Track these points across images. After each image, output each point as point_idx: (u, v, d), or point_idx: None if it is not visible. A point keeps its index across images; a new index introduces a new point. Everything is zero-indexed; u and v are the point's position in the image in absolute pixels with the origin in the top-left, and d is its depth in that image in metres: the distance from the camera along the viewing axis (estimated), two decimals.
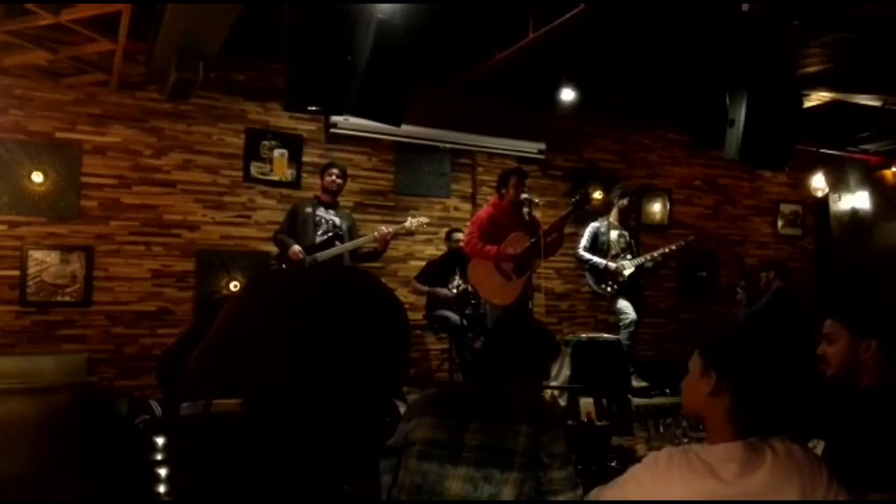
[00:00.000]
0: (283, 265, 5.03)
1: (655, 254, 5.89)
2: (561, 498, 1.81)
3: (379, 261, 5.52)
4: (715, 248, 7.81)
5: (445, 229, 6.22)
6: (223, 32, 4.45)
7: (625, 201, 5.97)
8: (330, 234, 5.07)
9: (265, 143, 5.86)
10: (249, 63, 5.76)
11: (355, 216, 5.56)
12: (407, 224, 5.39)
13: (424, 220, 5.59)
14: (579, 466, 3.07)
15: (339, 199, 5.32)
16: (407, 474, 1.87)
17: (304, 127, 6.03)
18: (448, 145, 6.51)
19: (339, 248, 5.03)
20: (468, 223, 5.73)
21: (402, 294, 5.79)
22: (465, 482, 1.80)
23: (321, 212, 5.11)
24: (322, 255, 4.96)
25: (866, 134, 7.83)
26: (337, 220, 5.14)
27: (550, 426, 1.88)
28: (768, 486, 1.50)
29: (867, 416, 1.83)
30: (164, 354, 1.58)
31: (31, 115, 5.10)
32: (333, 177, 5.17)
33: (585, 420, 4.11)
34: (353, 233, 5.22)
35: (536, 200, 5.09)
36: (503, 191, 5.05)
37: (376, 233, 5.18)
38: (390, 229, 5.21)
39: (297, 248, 4.89)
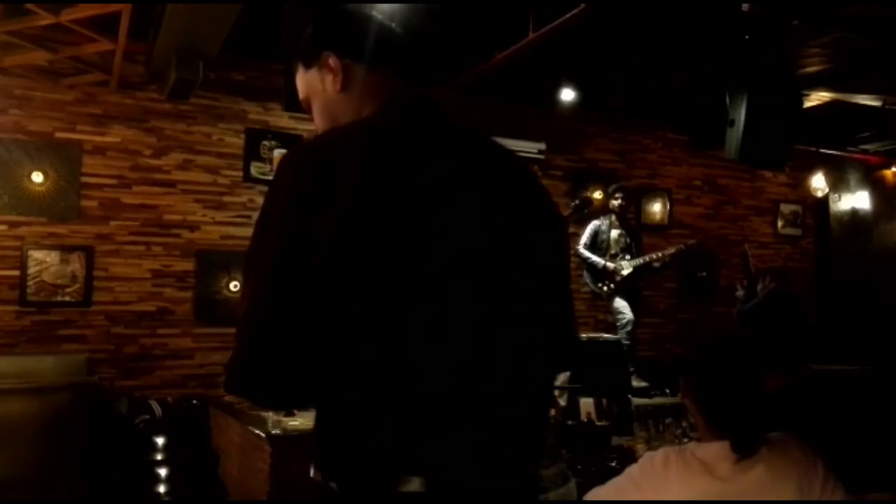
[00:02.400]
0: None
1: (654, 255, 5.90)
2: (551, 495, 1.82)
3: None
4: (715, 248, 7.81)
5: None
6: (223, 32, 4.45)
7: (615, 200, 6.04)
8: None
9: (265, 143, 5.86)
10: (249, 63, 5.76)
11: None
12: None
13: None
14: (579, 467, 3.08)
15: None
16: None
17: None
18: None
19: None
20: None
21: None
22: None
23: None
24: None
25: (866, 134, 7.82)
26: None
27: None
28: (764, 482, 1.50)
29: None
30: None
31: (31, 115, 5.10)
32: None
33: (585, 420, 4.11)
34: None
35: None
36: None
37: None
38: None
39: None
